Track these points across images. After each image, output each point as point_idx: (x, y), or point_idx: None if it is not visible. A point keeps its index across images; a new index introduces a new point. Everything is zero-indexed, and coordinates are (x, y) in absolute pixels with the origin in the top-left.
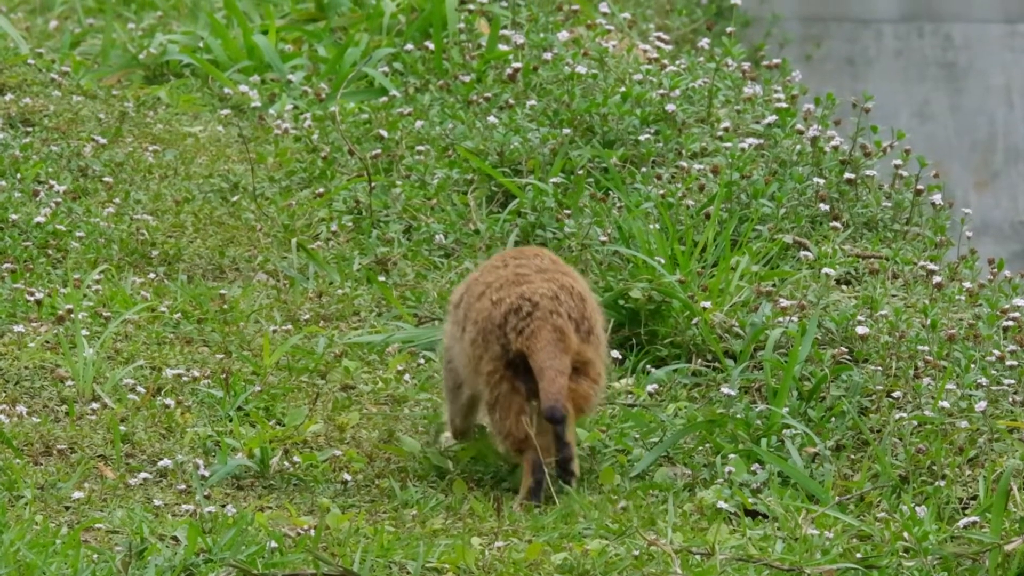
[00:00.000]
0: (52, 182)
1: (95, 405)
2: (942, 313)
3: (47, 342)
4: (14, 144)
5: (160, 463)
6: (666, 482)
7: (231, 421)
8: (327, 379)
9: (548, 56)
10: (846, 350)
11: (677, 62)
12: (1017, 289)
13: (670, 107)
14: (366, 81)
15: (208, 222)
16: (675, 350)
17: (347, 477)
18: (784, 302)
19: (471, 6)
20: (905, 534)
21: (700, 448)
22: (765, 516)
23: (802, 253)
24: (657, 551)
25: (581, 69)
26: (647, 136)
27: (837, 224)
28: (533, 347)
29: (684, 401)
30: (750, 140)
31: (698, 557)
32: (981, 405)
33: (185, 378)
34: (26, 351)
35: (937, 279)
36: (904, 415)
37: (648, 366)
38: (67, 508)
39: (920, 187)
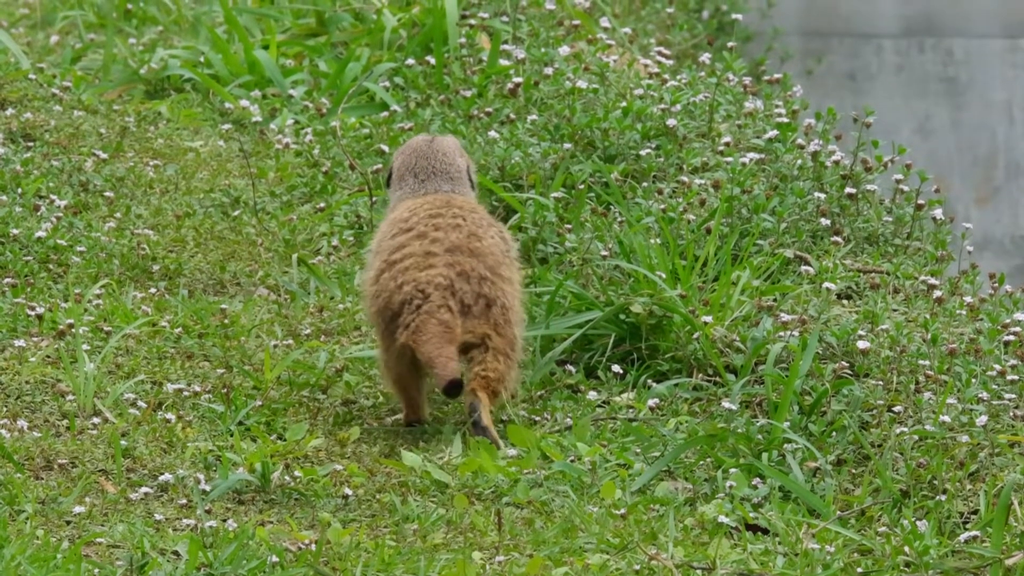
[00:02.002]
0: (53, 197)
1: (96, 420)
2: (943, 328)
3: (48, 357)
4: (15, 159)
5: (161, 478)
6: (667, 496)
7: (232, 436)
8: (328, 394)
9: (549, 71)
10: (847, 364)
11: (678, 77)
12: (1018, 304)
13: (671, 122)
14: (367, 96)
15: (209, 237)
16: (676, 364)
17: (348, 492)
18: (785, 316)
19: (472, 21)
20: (906, 548)
21: (701, 462)
22: (766, 531)
23: (803, 268)
24: (658, 566)
25: (582, 84)
26: (648, 151)
27: (838, 239)
28: (419, 341)
29: (685, 415)
30: (751, 155)
31: (699, 572)
32: (982, 419)
33: (186, 393)
34: (27, 365)
35: (938, 294)
36: (905, 429)
37: (649, 380)
38: (68, 523)
39: (921, 202)
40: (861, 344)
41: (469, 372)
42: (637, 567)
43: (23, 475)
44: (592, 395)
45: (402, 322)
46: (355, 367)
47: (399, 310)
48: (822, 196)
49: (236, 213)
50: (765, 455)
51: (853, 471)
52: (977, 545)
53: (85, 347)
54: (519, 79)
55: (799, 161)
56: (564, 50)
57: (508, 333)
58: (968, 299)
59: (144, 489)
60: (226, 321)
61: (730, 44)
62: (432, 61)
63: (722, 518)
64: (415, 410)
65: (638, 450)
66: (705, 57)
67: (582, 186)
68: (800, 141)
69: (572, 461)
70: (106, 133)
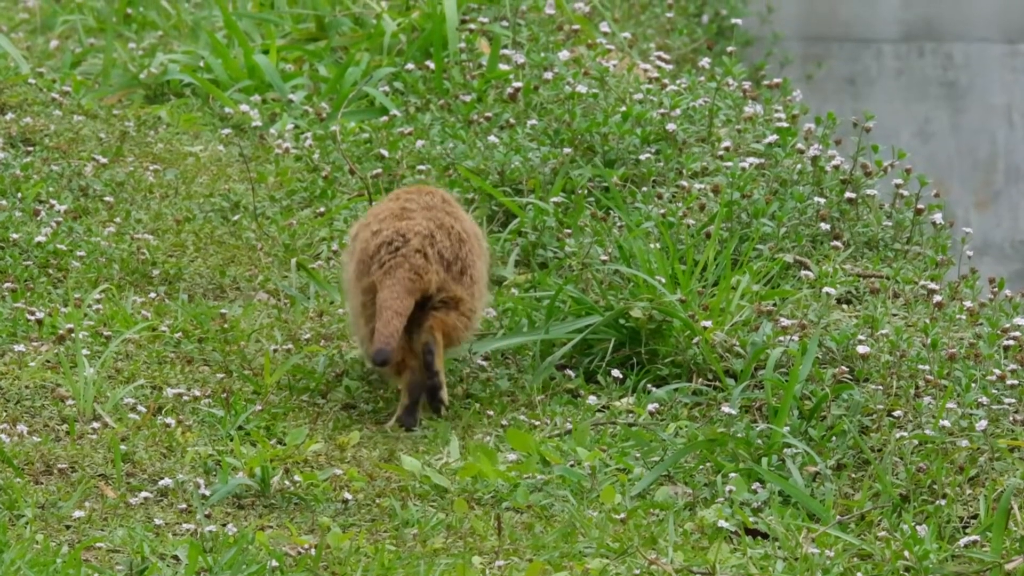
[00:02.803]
0: (53, 201)
1: (96, 424)
2: (943, 332)
3: (48, 361)
4: (15, 164)
5: (161, 482)
6: (667, 501)
7: (232, 440)
8: (328, 398)
9: (549, 75)
10: (847, 369)
11: (678, 81)
12: (1018, 308)
13: (671, 126)
14: (367, 100)
15: (209, 241)
16: (676, 369)
17: (348, 496)
18: (785, 321)
19: (472, 26)
20: (906, 553)
21: (701, 467)
22: (766, 535)
23: (803, 272)
24: (658, 570)
25: (582, 88)
26: (648, 155)
27: (838, 243)
28: (383, 283)
29: (685, 420)
30: (751, 159)
31: None
32: (982, 424)
33: (186, 397)
34: (27, 370)
35: (938, 298)
36: (905, 434)
37: (649, 385)
38: (68, 527)
39: (921, 206)
40: (861, 349)
41: (430, 314)
42: (637, 572)
43: (23, 480)
44: (592, 400)
45: (376, 259)
46: (355, 371)
47: (376, 251)
48: (822, 201)
49: (236, 218)
50: (765, 460)
51: (853, 475)
52: (977, 549)
53: (85, 352)
54: (519, 84)
55: (799, 166)
56: (564, 55)
57: (481, 302)
58: (968, 304)
59: (144, 494)
60: (226, 326)
61: (730, 49)
62: (432, 66)
63: (722, 523)
64: (415, 372)
65: (638, 455)
66: (705, 62)
67: (582, 191)
68: (800, 146)
69: (572, 466)
70: (106, 138)
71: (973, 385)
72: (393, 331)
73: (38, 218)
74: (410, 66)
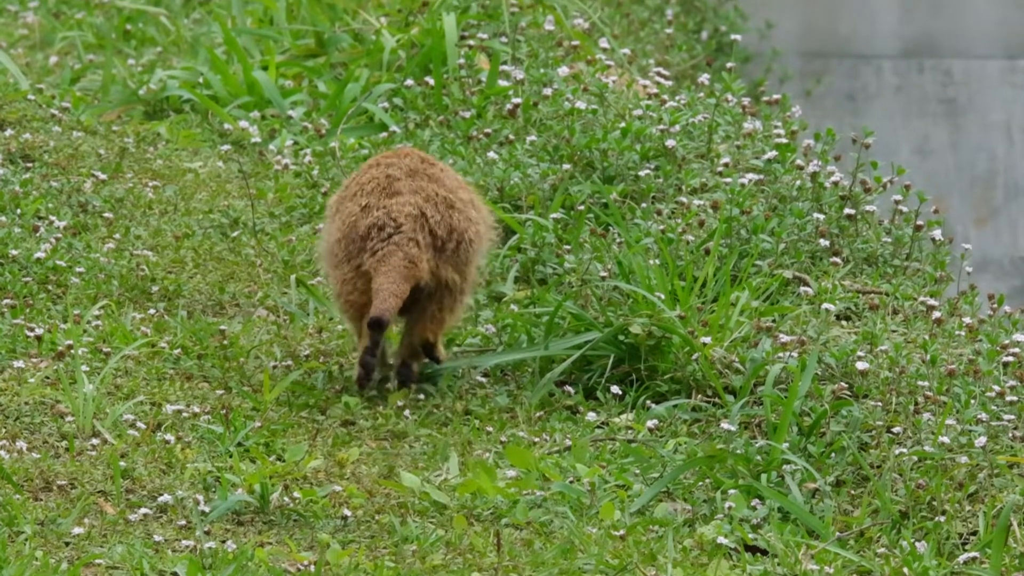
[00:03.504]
0: (52, 218)
1: (95, 441)
2: (942, 349)
3: (47, 378)
4: (14, 180)
5: (160, 499)
6: (666, 518)
7: (231, 457)
8: (327, 415)
9: (548, 92)
10: (846, 386)
11: (677, 98)
12: (1017, 325)
13: (670, 143)
14: (366, 117)
15: (208, 258)
16: (675, 386)
17: (347, 513)
18: (784, 338)
19: (471, 42)
20: (905, 570)
21: (700, 483)
22: (765, 552)
23: (802, 289)
24: None
25: (581, 104)
26: (647, 172)
27: (837, 259)
28: (379, 270)
29: (684, 436)
30: (750, 176)
31: None
32: (981, 441)
33: (185, 414)
34: (26, 387)
35: (937, 315)
36: (904, 450)
37: (648, 402)
38: (67, 544)
39: (920, 223)
40: (860, 365)
41: (421, 319)
42: None
43: (22, 496)
44: (591, 416)
45: (369, 247)
46: (354, 388)
47: (366, 233)
48: (821, 217)
49: (235, 234)
50: (764, 476)
51: (852, 492)
52: (976, 566)
53: (84, 368)
54: (518, 100)
55: (798, 182)
56: (563, 71)
57: (469, 274)
58: (967, 320)
59: (143, 510)
60: (225, 342)
61: (729, 65)
62: (431, 82)
63: (721, 539)
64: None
65: (637, 471)
66: (704, 78)
67: (581, 207)
68: (799, 162)
69: (571, 482)
70: (105, 154)
71: (972, 401)
72: (391, 307)
73: (37, 234)
74: (409, 82)
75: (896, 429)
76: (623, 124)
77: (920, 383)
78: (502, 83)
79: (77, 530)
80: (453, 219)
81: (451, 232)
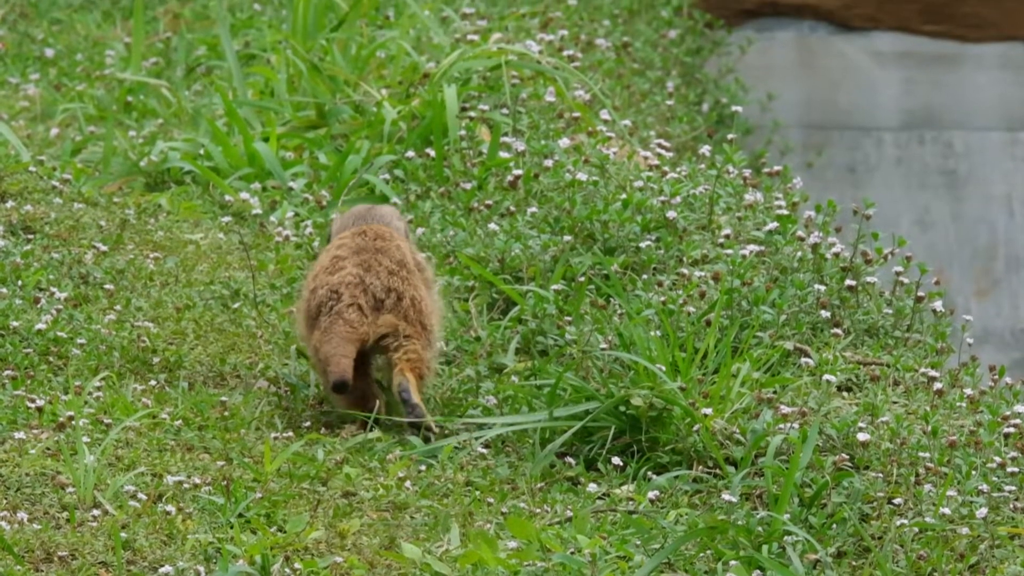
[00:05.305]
0: (53, 289)
1: (96, 512)
2: (943, 420)
3: (48, 449)
4: (15, 251)
5: (161, 570)
6: None
7: (232, 528)
8: (328, 486)
9: (549, 163)
10: (847, 457)
11: (678, 169)
12: (1018, 396)
13: (671, 214)
14: (367, 188)
15: (209, 329)
16: (676, 457)
17: None
18: (785, 409)
19: (472, 113)
20: None
21: (701, 555)
22: None
23: (803, 360)
24: None
25: (582, 176)
26: (648, 243)
27: (838, 331)
28: (323, 340)
29: (685, 507)
30: (751, 247)
31: None
32: (982, 512)
33: (186, 485)
34: (27, 458)
35: (938, 386)
36: (905, 521)
37: (649, 473)
38: None
39: (921, 294)
40: (861, 436)
41: (392, 358)
42: None
43: (23, 567)
44: (592, 487)
45: (318, 324)
46: (355, 459)
47: (316, 312)
48: (822, 288)
49: (236, 305)
50: (765, 547)
51: (854, 563)
52: None
53: (85, 439)
54: (519, 171)
55: (799, 253)
56: (564, 142)
57: (420, 322)
58: (968, 391)
59: None
60: (226, 413)
61: (730, 136)
62: (432, 153)
63: None
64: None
65: (638, 542)
66: (705, 149)
67: (582, 278)
68: (800, 233)
69: (572, 553)
70: (106, 225)
71: (974, 472)
72: (344, 368)
73: (38, 306)
74: (410, 154)
75: (897, 500)
76: (624, 195)
77: (921, 454)
78: (503, 154)
79: None
80: (392, 281)
81: (389, 290)
